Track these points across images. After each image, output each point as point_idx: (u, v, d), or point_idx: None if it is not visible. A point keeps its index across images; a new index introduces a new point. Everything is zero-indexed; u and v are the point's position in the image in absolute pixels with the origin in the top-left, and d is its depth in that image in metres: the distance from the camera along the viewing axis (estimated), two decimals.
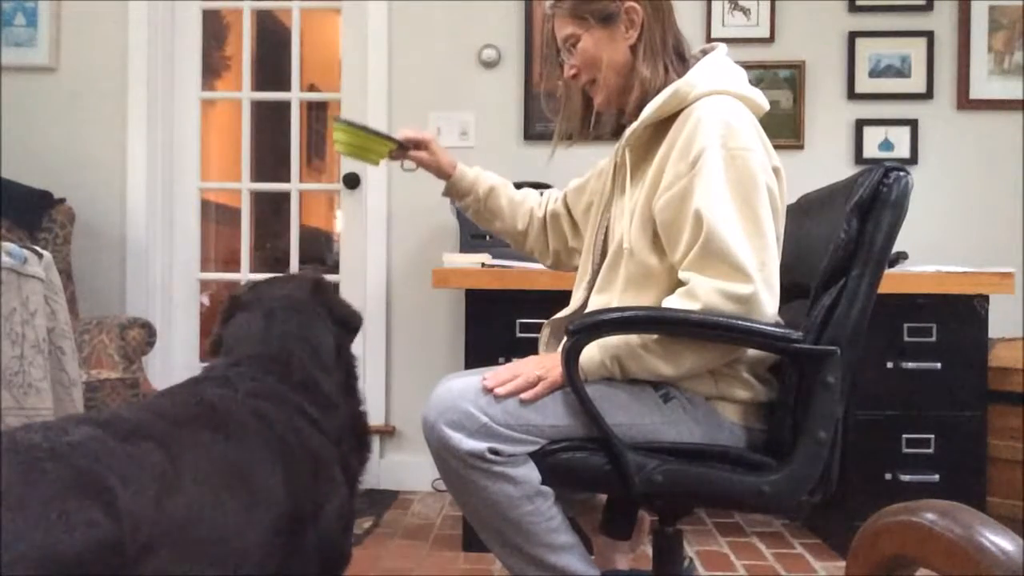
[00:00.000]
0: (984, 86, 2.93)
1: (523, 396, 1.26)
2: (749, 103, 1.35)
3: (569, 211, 1.70)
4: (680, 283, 1.27)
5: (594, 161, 1.69)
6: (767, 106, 1.40)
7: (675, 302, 1.25)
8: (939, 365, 2.28)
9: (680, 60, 1.42)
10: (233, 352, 1.21)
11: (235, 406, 1.07)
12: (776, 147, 1.39)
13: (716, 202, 1.24)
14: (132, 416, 0.96)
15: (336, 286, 3.14)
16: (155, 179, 3.10)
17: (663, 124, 1.36)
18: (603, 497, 1.52)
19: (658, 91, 1.37)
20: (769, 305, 1.23)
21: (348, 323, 1.30)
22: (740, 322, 1.22)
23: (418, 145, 1.68)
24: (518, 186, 2.62)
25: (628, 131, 1.40)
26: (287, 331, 1.22)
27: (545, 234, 1.74)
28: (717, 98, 1.32)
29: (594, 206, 1.58)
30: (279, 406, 1.11)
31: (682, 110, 1.33)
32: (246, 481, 0.99)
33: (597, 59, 1.42)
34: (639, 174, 1.40)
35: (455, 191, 1.73)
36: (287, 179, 3.24)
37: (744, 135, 1.28)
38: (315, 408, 1.16)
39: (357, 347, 3.05)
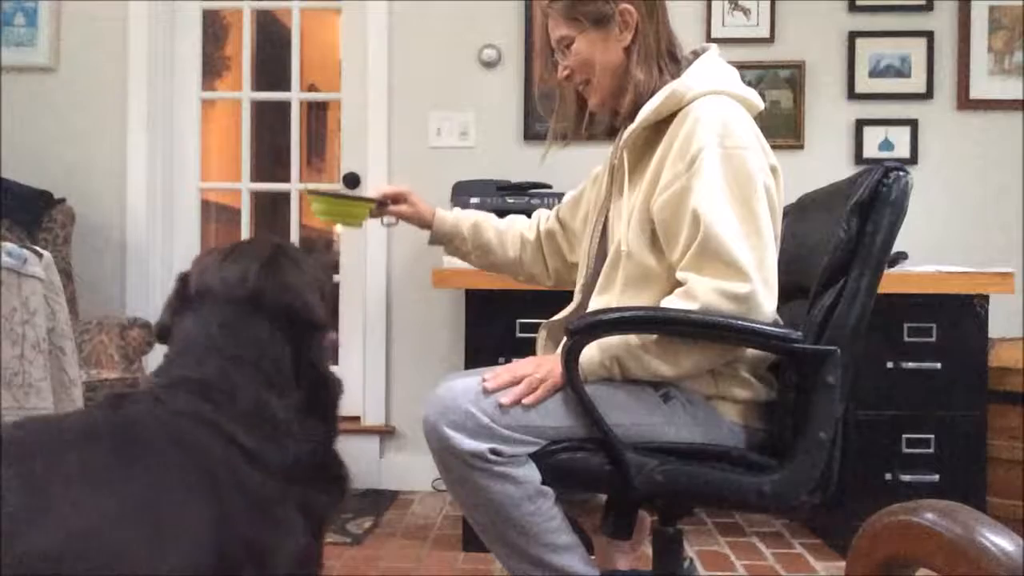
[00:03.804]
0: (984, 86, 2.93)
1: (525, 401, 1.26)
2: (745, 103, 1.36)
3: (564, 226, 1.69)
4: (679, 283, 1.28)
5: (592, 160, 1.69)
6: (762, 105, 1.40)
7: (674, 302, 1.25)
8: (939, 365, 2.28)
9: (673, 61, 1.42)
10: (168, 372, 1.04)
11: (155, 431, 0.93)
12: (776, 147, 1.39)
13: (714, 201, 1.24)
14: None
15: (335, 284, 3.13)
16: (155, 179, 3.10)
17: (660, 125, 1.36)
18: (603, 497, 1.52)
19: (652, 93, 1.37)
20: (768, 304, 1.23)
21: (298, 318, 1.09)
22: (740, 322, 1.22)
23: (396, 199, 1.66)
24: (519, 186, 2.63)
25: (626, 133, 1.40)
26: (230, 349, 1.04)
27: (542, 255, 1.72)
28: (714, 98, 1.32)
29: (590, 212, 1.58)
30: (211, 436, 0.96)
31: (679, 111, 1.34)
32: (152, 517, 0.85)
33: (591, 61, 1.42)
34: (637, 176, 1.40)
35: (440, 236, 1.71)
36: (287, 179, 3.24)
37: (741, 134, 1.29)
38: (254, 440, 0.99)
39: (357, 347, 3.09)
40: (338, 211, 1.57)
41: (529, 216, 1.76)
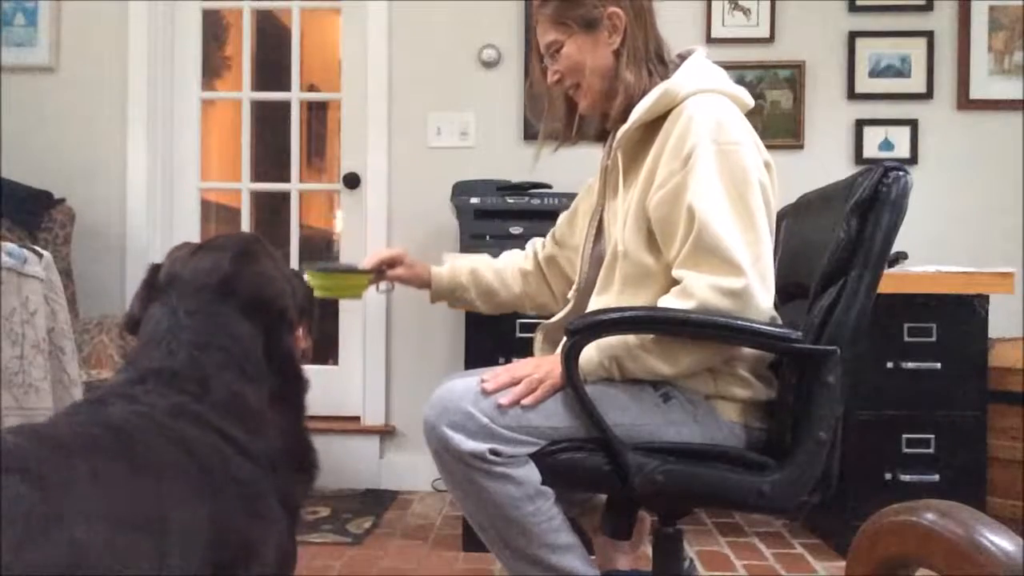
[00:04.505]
0: (984, 86, 2.93)
1: (524, 401, 1.26)
2: (737, 100, 1.37)
3: (563, 245, 1.67)
4: (676, 281, 1.28)
5: (591, 160, 1.68)
6: (752, 103, 1.41)
7: (670, 301, 1.25)
8: (939, 365, 2.28)
9: (661, 64, 1.43)
10: (135, 364, 1.00)
11: (146, 429, 0.89)
12: (776, 147, 1.40)
13: (709, 198, 1.24)
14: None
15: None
16: (155, 179, 3.10)
17: (653, 125, 1.37)
18: (603, 497, 1.52)
19: (642, 95, 1.37)
20: (763, 299, 1.23)
21: (270, 307, 1.07)
22: (739, 322, 1.22)
23: (392, 263, 1.64)
24: (519, 186, 2.63)
25: (620, 133, 1.40)
26: (200, 337, 1.01)
27: (545, 282, 1.69)
28: (706, 96, 1.33)
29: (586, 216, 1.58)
30: (198, 429, 0.94)
31: (672, 109, 1.34)
32: (159, 520, 0.83)
33: (580, 65, 1.42)
34: (631, 176, 1.40)
35: (441, 291, 1.68)
36: (287, 179, 3.24)
37: (735, 131, 1.29)
38: (240, 430, 0.97)
39: (357, 347, 3.09)
40: (337, 286, 1.54)
41: (524, 243, 1.75)
